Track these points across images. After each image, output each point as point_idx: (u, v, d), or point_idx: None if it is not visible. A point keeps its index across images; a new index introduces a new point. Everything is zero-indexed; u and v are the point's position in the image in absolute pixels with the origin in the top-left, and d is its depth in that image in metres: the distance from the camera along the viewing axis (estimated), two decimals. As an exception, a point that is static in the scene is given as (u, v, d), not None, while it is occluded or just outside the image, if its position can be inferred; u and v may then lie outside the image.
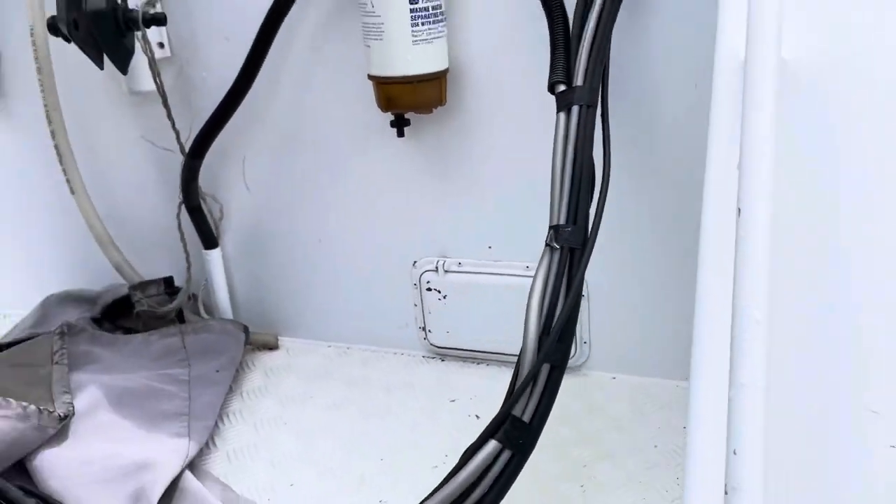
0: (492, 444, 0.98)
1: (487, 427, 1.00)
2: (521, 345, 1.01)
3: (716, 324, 0.70)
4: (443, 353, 1.64)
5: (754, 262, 0.68)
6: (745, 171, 0.72)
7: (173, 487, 1.18)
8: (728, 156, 0.80)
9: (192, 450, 1.27)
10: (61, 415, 1.21)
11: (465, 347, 1.60)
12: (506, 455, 0.98)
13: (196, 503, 1.15)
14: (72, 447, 1.20)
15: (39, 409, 1.17)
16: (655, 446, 1.31)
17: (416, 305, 1.61)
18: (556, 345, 1.00)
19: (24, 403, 1.15)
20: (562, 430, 1.35)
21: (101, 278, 1.81)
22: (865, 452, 0.78)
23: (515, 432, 0.98)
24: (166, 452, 1.23)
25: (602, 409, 1.43)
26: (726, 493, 0.59)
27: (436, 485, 1.01)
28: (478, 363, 1.61)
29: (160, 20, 1.41)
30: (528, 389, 0.99)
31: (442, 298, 1.58)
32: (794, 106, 0.86)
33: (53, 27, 1.34)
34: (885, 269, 0.83)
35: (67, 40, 1.37)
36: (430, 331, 1.61)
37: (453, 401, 1.50)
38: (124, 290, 1.75)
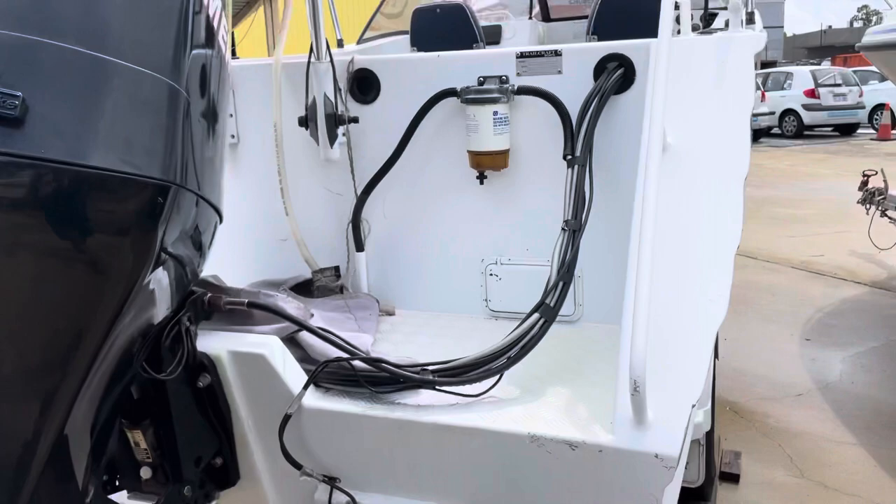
0: (534, 316, 2.10)
1: (531, 309, 2.11)
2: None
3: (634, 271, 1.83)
4: (497, 315, 2.76)
5: (646, 240, 1.82)
6: (644, 195, 1.88)
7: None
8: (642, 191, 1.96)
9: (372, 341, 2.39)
10: (312, 314, 2.33)
11: (511, 310, 2.73)
12: (540, 322, 2.10)
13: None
14: (315, 330, 2.32)
15: (304, 306, 2.29)
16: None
17: (481, 286, 2.75)
18: (566, 274, 2.15)
19: (297, 303, 2.28)
20: (567, 348, 2.46)
21: (284, 271, 2.95)
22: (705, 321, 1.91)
23: (547, 310, 2.10)
24: (362, 335, 2.35)
25: (591, 339, 2.54)
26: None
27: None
28: (518, 320, 2.71)
29: (356, 120, 2.64)
30: (553, 292, 2.12)
31: (498, 280, 2.72)
32: (670, 165, 2.05)
33: (303, 122, 2.56)
34: (724, 241, 2.01)
35: (307, 129, 2.59)
36: (490, 300, 2.75)
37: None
38: (301, 278, 2.89)
